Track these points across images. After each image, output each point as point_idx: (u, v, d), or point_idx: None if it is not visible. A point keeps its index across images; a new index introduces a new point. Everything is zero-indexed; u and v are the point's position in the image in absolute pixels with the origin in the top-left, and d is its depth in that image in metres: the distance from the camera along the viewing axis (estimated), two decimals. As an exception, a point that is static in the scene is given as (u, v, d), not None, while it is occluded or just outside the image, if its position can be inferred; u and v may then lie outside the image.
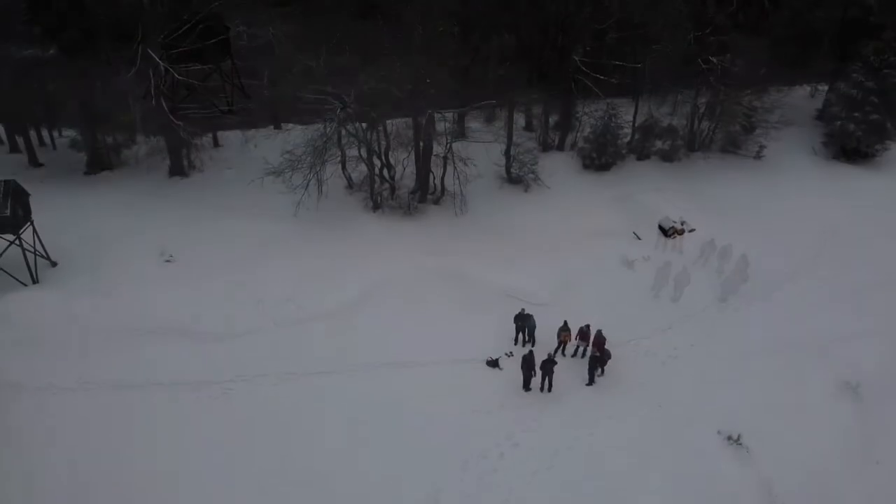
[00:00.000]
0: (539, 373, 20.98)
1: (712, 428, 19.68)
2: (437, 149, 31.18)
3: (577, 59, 32.73)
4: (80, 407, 19.66)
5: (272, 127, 38.68)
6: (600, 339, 21.71)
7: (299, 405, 20.16)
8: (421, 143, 30.75)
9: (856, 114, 35.57)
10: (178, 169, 34.38)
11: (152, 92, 29.31)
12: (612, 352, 21.68)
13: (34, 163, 35.99)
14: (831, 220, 31.01)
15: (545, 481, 17.99)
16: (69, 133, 38.26)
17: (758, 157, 36.18)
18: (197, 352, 21.93)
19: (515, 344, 23.37)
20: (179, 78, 29.49)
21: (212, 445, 18.51)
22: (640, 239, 30.18)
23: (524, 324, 23.15)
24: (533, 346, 22.78)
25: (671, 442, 19.25)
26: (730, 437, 19.14)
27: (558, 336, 22.64)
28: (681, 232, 30.32)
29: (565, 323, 22.69)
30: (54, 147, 39.94)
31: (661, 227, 30.76)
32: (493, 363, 22.42)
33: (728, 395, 20.94)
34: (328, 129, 28.91)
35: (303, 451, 18.44)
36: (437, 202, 31.97)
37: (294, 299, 24.77)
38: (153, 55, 29.47)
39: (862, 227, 30.62)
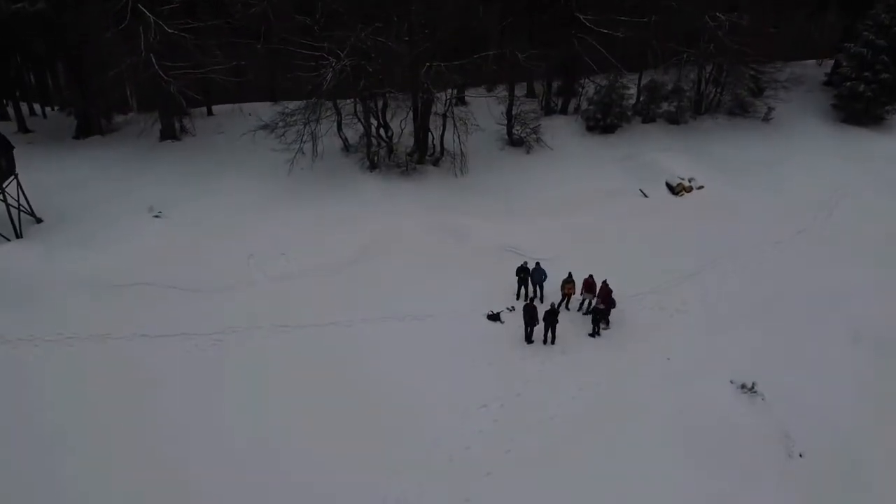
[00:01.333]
0: (542, 324, 20.10)
1: (724, 378, 18.68)
2: (437, 108, 30.20)
3: (581, 16, 31.53)
4: (60, 359, 18.77)
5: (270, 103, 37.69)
6: (605, 290, 20.74)
7: (292, 357, 19.20)
8: (420, 97, 29.52)
9: (866, 73, 34.21)
10: (170, 133, 33.43)
11: (142, 47, 28.57)
12: (619, 305, 20.78)
13: (23, 129, 35.11)
14: (842, 180, 29.94)
15: (548, 431, 17.02)
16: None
17: (766, 119, 35.05)
18: (185, 304, 21.02)
19: (517, 298, 22.38)
20: (170, 32, 28.86)
21: (198, 396, 17.61)
22: (647, 196, 29.20)
23: (527, 276, 22.18)
24: (541, 301, 21.77)
25: (682, 392, 18.23)
26: (743, 386, 18.18)
27: (562, 289, 21.68)
28: (689, 189, 29.34)
29: (569, 275, 21.66)
30: (45, 116, 39.20)
31: (668, 185, 29.75)
32: (495, 317, 21.48)
33: (740, 347, 19.96)
34: (324, 78, 27.66)
35: (290, 403, 17.47)
36: (436, 163, 30.93)
37: (287, 254, 23.87)
38: (143, 9, 28.67)
39: (873, 187, 29.55)
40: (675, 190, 29.46)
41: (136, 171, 29.42)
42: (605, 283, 20.86)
